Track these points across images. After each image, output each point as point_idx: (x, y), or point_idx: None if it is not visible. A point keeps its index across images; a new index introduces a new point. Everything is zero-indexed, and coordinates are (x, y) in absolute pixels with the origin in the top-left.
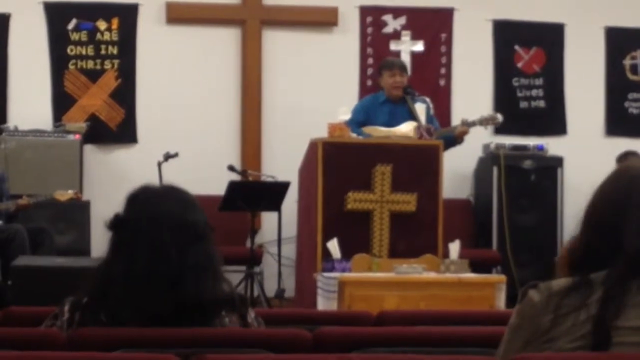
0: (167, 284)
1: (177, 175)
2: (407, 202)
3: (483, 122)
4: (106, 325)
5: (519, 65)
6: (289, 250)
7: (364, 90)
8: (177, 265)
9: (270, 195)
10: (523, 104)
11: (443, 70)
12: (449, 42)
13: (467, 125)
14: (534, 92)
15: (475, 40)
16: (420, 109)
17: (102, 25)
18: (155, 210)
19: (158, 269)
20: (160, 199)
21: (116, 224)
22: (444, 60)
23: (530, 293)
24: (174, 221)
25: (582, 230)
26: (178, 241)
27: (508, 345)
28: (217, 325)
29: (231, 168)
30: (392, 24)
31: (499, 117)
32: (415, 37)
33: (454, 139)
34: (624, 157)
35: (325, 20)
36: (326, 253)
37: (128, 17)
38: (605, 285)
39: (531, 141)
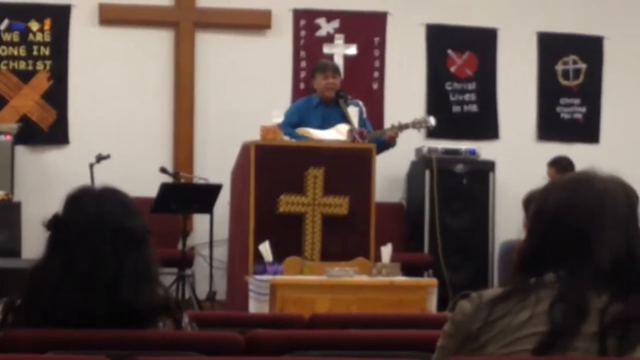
0: (104, 288)
1: (109, 177)
2: (340, 205)
3: (416, 124)
4: (40, 327)
5: (452, 69)
6: (221, 253)
7: (296, 93)
8: (115, 269)
9: (202, 197)
10: (456, 108)
11: (376, 74)
12: (382, 46)
13: (400, 127)
14: (467, 97)
15: (409, 44)
16: (353, 112)
17: (34, 26)
18: (96, 213)
19: (96, 272)
20: (100, 201)
21: (55, 224)
22: (377, 64)
23: (461, 303)
24: (113, 224)
25: (537, 232)
26: (117, 245)
27: (441, 352)
28: (150, 329)
29: (163, 170)
30: (326, 27)
31: (432, 120)
32: (348, 41)
33: (385, 143)
34: (556, 162)
35: (258, 23)
36: (258, 256)
37: (60, 18)
38: (565, 292)
39: (463, 145)
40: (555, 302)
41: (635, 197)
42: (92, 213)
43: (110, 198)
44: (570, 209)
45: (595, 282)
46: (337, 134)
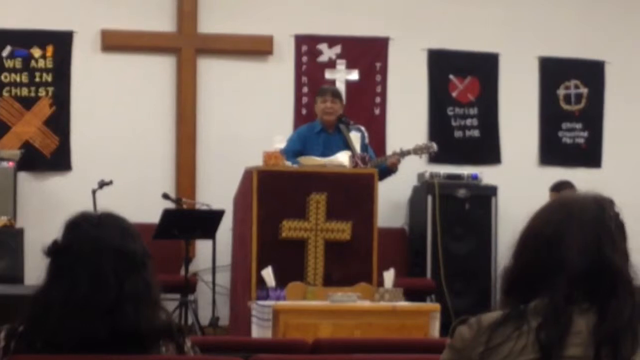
0: (106, 312)
1: (112, 203)
2: (342, 230)
3: (418, 150)
4: (42, 353)
5: (454, 94)
6: (224, 279)
7: (299, 118)
8: (116, 293)
9: (205, 223)
10: (458, 133)
11: (378, 99)
12: (384, 71)
13: (402, 154)
14: (469, 122)
15: (410, 69)
16: (355, 137)
17: (36, 52)
18: (95, 238)
19: (97, 296)
20: (99, 226)
21: (54, 251)
22: (379, 89)
23: (460, 329)
24: (113, 249)
25: (516, 255)
26: (117, 269)
27: None
28: (153, 354)
29: (166, 196)
30: (327, 52)
31: (434, 146)
32: (350, 66)
33: (387, 169)
34: (558, 187)
35: (260, 49)
36: (261, 281)
37: (63, 44)
38: (544, 315)
39: (465, 170)
40: (540, 327)
41: (608, 206)
42: (91, 238)
43: (109, 223)
44: (541, 224)
45: (572, 293)
46: (340, 160)
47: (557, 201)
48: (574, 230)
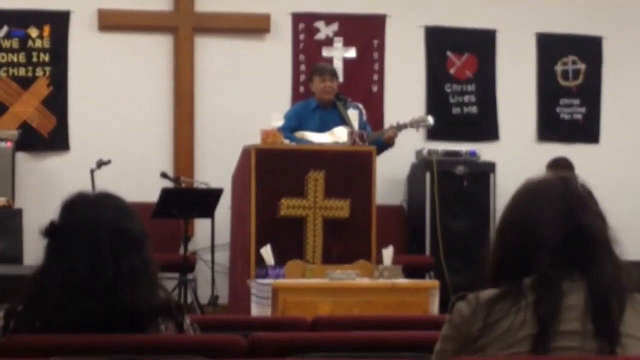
0: (104, 290)
1: (110, 183)
2: (340, 208)
3: (414, 124)
4: (42, 332)
5: (451, 71)
6: (223, 257)
7: (296, 96)
8: (114, 272)
9: (203, 202)
10: (455, 110)
11: (375, 77)
12: (381, 49)
13: (399, 127)
14: (466, 98)
15: (408, 46)
16: (352, 115)
17: (33, 32)
18: (91, 217)
19: (95, 275)
20: (95, 205)
21: (52, 231)
22: (376, 66)
23: (459, 305)
24: (110, 228)
25: (496, 247)
26: (114, 248)
27: (441, 356)
28: (152, 332)
29: (164, 175)
30: (325, 30)
31: (430, 119)
32: (347, 44)
33: (384, 143)
34: (555, 164)
35: (257, 27)
36: (260, 259)
37: (60, 24)
38: (537, 290)
39: (464, 147)
40: (536, 302)
41: (572, 178)
42: (88, 217)
43: (106, 202)
44: (511, 213)
45: (557, 266)
46: (331, 137)
47: (522, 187)
48: (543, 208)
